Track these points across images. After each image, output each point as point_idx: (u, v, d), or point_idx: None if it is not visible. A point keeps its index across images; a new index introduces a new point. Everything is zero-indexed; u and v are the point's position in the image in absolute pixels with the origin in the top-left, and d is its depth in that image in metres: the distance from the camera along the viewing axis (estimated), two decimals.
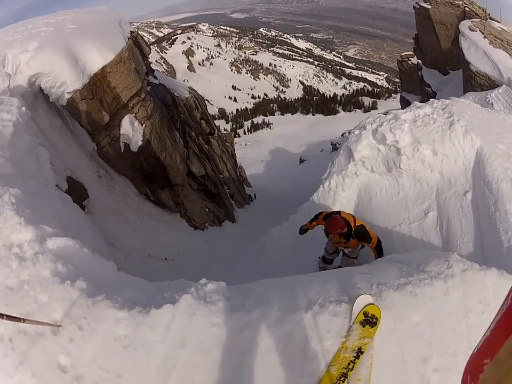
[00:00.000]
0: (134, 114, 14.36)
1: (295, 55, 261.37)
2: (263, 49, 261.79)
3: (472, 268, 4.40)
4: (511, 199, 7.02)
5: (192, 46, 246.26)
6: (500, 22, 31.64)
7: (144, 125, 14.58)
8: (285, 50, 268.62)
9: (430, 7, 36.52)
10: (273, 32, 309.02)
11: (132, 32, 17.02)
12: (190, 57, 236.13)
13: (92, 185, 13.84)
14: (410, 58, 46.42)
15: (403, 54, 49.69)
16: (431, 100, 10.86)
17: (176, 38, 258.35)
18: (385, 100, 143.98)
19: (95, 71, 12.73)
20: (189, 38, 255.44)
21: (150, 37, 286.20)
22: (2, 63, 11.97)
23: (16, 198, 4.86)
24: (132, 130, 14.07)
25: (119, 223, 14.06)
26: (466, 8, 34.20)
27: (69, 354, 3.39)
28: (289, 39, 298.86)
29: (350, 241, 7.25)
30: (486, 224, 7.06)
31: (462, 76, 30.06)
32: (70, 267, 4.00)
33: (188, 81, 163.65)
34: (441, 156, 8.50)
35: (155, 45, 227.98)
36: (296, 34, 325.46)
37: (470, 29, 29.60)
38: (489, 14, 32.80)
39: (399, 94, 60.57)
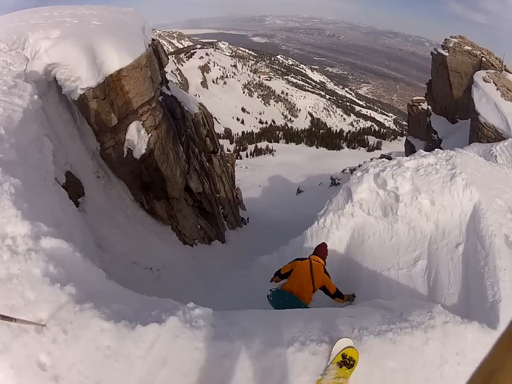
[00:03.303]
0: (142, 122, 14.43)
1: (308, 86, 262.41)
2: (277, 76, 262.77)
3: (453, 320, 4.47)
4: (502, 255, 7.06)
5: (209, 63, 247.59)
6: None
7: (150, 134, 14.64)
8: (299, 80, 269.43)
9: (447, 54, 37.10)
10: (290, 60, 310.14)
11: (153, 39, 17.23)
12: (205, 73, 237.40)
13: (89, 184, 13.85)
14: (421, 104, 46.84)
15: (414, 98, 50.22)
16: (436, 149, 10.91)
17: (195, 52, 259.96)
18: (390, 141, 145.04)
19: (111, 72, 12.86)
20: (207, 54, 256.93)
21: (170, 47, 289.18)
22: (22, 45, 12.07)
23: (16, 189, 4.90)
24: (137, 137, 14.12)
25: (110, 226, 14.02)
26: (483, 59, 34.66)
27: (50, 354, 3.39)
28: (305, 70, 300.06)
29: None
30: (473, 278, 7.09)
31: (470, 126, 30.31)
32: (61, 270, 4.00)
33: (199, 96, 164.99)
34: (439, 206, 8.56)
35: (173, 56, 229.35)
36: (312, 66, 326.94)
37: (484, 80, 29.85)
38: (505, 66, 33.18)
39: (405, 137, 60.84)
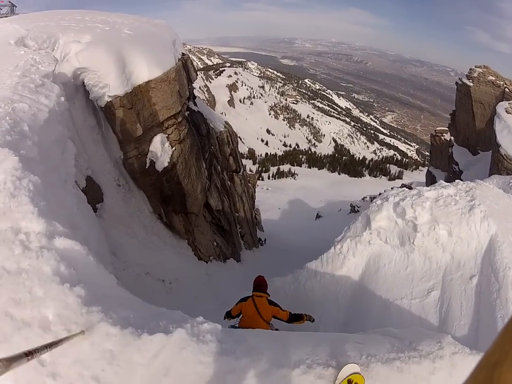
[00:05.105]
0: (167, 135, 14.57)
1: (333, 112, 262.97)
2: (304, 100, 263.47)
3: (462, 351, 4.39)
4: None
5: (237, 82, 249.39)
6: None
7: (174, 148, 14.75)
8: (325, 105, 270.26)
9: (471, 84, 37.42)
10: (317, 85, 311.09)
11: (183, 54, 17.48)
12: (232, 92, 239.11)
13: (109, 191, 13.99)
14: (444, 134, 46.99)
15: (437, 128, 50.31)
16: (456, 180, 10.89)
17: (224, 70, 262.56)
18: (412, 171, 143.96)
19: (139, 82, 13.04)
20: (235, 73, 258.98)
21: (199, 63, 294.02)
22: (52, 45, 12.31)
23: (35, 186, 4.92)
24: (161, 149, 14.23)
25: (127, 234, 14.09)
26: (506, 89, 34.82)
27: (50, 351, 3.38)
28: (331, 95, 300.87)
29: None
30: (485, 310, 7.07)
31: (491, 158, 30.36)
32: (72, 271, 4.00)
33: (225, 115, 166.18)
34: (456, 238, 8.50)
35: (202, 72, 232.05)
36: (339, 92, 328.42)
37: (506, 111, 29.88)
38: None
39: (427, 167, 60.80)
